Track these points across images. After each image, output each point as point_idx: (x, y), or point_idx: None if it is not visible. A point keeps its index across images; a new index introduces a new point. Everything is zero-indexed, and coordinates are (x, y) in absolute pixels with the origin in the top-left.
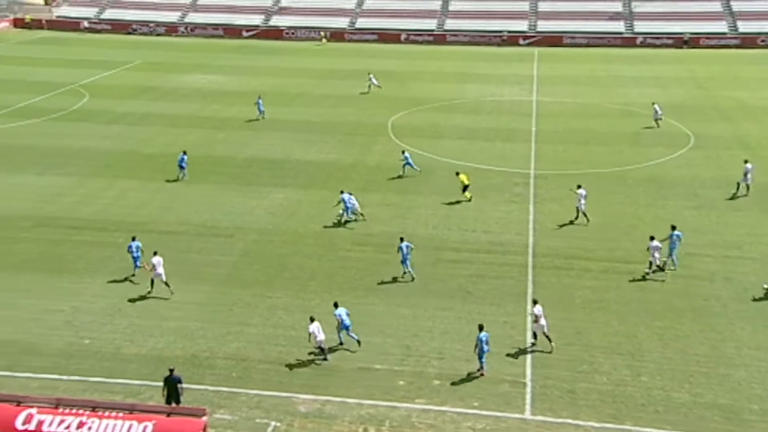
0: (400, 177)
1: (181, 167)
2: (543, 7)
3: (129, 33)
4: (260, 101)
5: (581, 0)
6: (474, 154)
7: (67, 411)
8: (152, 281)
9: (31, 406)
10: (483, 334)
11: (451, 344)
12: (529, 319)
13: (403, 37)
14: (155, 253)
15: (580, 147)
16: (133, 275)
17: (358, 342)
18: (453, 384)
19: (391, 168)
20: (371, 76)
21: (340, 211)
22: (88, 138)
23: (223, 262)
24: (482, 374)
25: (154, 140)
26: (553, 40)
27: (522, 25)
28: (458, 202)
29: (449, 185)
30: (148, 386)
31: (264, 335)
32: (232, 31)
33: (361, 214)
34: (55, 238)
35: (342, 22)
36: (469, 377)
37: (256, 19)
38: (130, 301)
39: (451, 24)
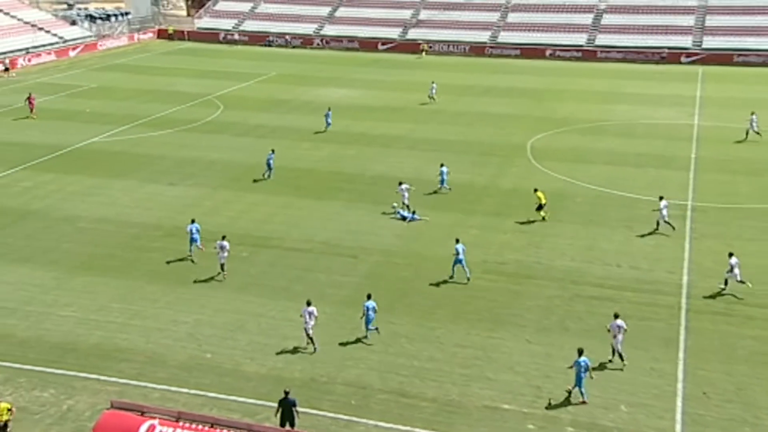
0: (435, 192)
1: (269, 166)
2: (711, 21)
3: (265, 45)
4: (329, 113)
5: (755, 14)
6: (621, 181)
7: (187, 425)
8: (222, 265)
9: (154, 417)
10: (583, 359)
11: (588, 389)
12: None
13: (548, 52)
14: (223, 237)
15: (748, 178)
16: (190, 255)
17: (377, 330)
18: None
19: (528, 192)
20: (433, 85)
21: (395, 205)
22: (219, 150)
23: (345, 283)
24: (584, 402)
25: (283, 154)
26: (722, 58)
27: (685, 41)
28: (601, 233)
29: (592, 213)
30: (265, 406)
31: (385, 363)
32: (367, 44)
33: (413, 211)
34: (183, 249)
35: (483, 36)
36: (609, 430)
37: (393, 32)
38: (251, 316)
39: (603, 39)
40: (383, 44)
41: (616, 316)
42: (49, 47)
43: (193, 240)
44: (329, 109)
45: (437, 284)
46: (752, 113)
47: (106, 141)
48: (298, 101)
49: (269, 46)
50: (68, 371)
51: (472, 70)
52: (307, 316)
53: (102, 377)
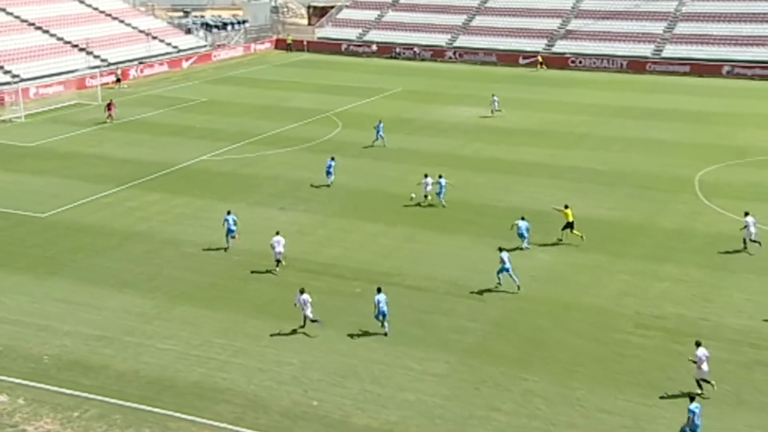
0: (430, 206)
1: (329, 173)
2: None
3: (392, 57)
4: (380, 125)
5: None
6: None
7: None
8: (277, 261)
9: None
10: (695, 405)
11: None
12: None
13: (725, 69)
14: (277, 233)
15: None
16: (226, 249)
17: (385, 334)
18: None
19: (696, 234)
20: (495, 98)
21: (413, 195)
22: (359, 173)
23: (471, 329)
24: None
25: (405, 179)
26: None
27: None
28: None
29: None
30: None
31: (516, 426)
32: (507, 58)
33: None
34: (291, 281)
35: (644, 50)
36: None
37: (538, 44)
38: (364, 361)
39: None
40: (525, 58)
41: (698, 344)
42: (162, 57)
43: (230, 231)
44: (380, 122)
45: (580, 336)
46: None
47: (215, 160)
48: (424, 121)
49: (396, 58)
50: (164, 410)
51: (629, 89)
52: (302, 303)
53: (199, 419)
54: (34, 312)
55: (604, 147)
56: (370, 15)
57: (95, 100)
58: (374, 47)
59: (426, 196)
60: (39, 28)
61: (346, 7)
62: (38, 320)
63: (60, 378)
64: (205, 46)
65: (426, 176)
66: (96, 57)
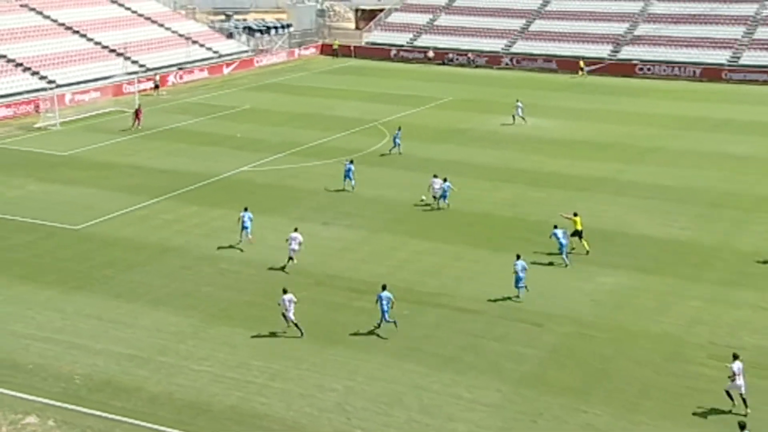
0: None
1: (348, 177)
2: None
3: (443, 63)
4: (399, 133)
5: None
6: None
7: None
8: (290, 258)
9: None
10: None
11: None
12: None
13: None
14: (295, 229)
15: None
16: (239, 243)
17: (395, 323)
18: None
19: None
20: (519, 104)
21: (423, 197)
22: (382, 185)
23: (527, 356)
24: None
25: (457, 194)
26: None
27: None
28: None
29: None
30: None
31: None
32: (568, 65)
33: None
34: (334, 301)
35: (720, 56)
36: None
37: (603, 50)
38: (411, 388)
39: None
40: (588, 64)
41: (736, 357)
42: (202, 63)
43: (244, 227)
44: (399, 129)
45: (646, 367)
46: None
47: (256, 171)
48: (477, 131)
49: (448, 64)
50: None
51: (703, 99)
52: (287, 304)
53: None
54: (65, 329)
55: (675, 161)
56: (422, 18)
57: (132, 107)
58: (431, 53)
59: (435, 198)
60: (76, 32)
61: (396, 10)
62: (69, 338)
63: (91, 399)
64: (247, 51)
65: (435, 177)
66: (134, 62)
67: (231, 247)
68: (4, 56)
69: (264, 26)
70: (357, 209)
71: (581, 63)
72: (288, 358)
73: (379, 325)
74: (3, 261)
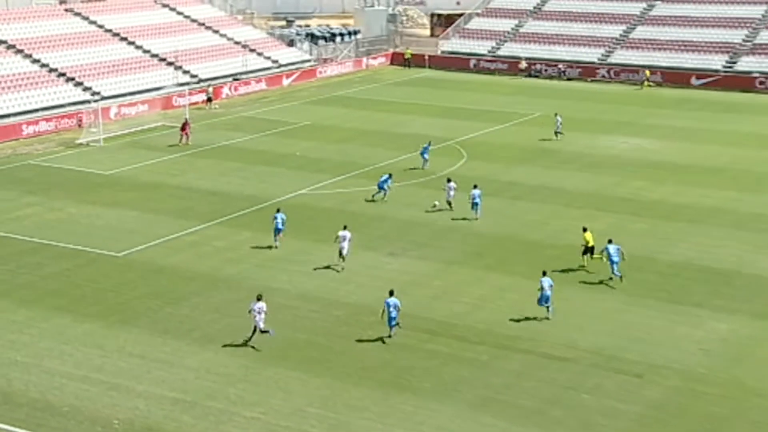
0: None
1: (382, 189)
2: None
3: (530, 75)
4: (428, 147)
5: None
6: None
7: None
8: (341, 254)
9: None
10: None
11: None
12: None
13: None
14: (345, 227)
15: None
16: (276, 246)
17: (398, 324)
18: None
19: None
20: (558, 118)
21: (437, 203)
22: (458, 212)
23: (623, 412)
24: None
25: (545, 223)
26: None
27: None
28: None
29: None
30: None
31: None
32: (675, 77)
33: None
34: (403, 342)
35: None
36: None
37: (716, 61)
38: None
39: None
40: (699, 77)
41: None
42: (259, 73)
43: (277, 230)
44: (429, 144)
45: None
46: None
47: (315, 194)
48: (568, 152)
49: (535, 76)
50: None
51: None
52: (256, 313)
53: None
54: (105, 367)
55: None
56: (506, 24)
57: (182, 122)
58: (523, 64)
59: (449, 203)
60: (123, 39)
61: (477, 15)
62: (109, 377)
63: None
64: (309, 60)
65: (449, 180)
66: (185, 72)
67: (288, 279)
68: (46, 65)
69: (328, 33)
70: (429, 238)
71: (647, 73)
72: (349, 406)
73: (390, 336)
74: (39, 290)
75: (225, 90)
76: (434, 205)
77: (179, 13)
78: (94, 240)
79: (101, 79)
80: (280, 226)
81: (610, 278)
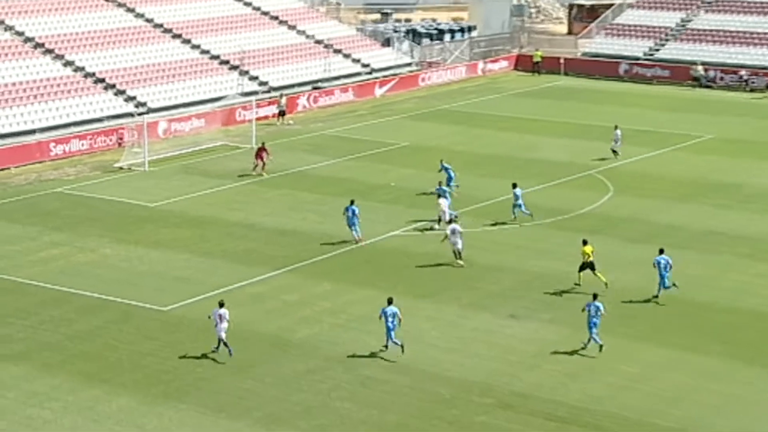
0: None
1: (443, 190)
2: None
3: (702, 85)
4: (448, 169)
5: None
6: None
7: None
8: (456, 253)
9: None
10: None
11: None
12: None
13: None
14: (456, 218)
15: None
16: (355, 240)
17: (402, 347)
18: None
19: None
20: (617, 133)
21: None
22: (631, 265)
23: None
24: None
25: (716, 280)
26: None
27: None
28: None
29: None
30: None
31: None
32: None
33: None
34: (520, 430)
35: None
36: None
37: None
38: None
39: None
40: None
41: None
42: (346, 80)
43: (351, 225)
44: (443, 162)
45: None
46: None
47: (414, 235)
48: (754, 188)
49: (707, 86)
50: None
51: None
52: (218, 319)
53: None
54: None
55: None
56: (669, 19)
57: (248, 141)
58: (699, 69)
59: (440, 220)
60: (177, 36)
61: (631, 6)
62: None
63: None
64: (410, 64)
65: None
66: (252, 79)
67: (378, 344)
68: (80, 69)
69: (435, 30)
70: (559, 298)
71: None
72: None
73: (386, 347)
74: (65, 352)
75: (302, 101)
76: (437, 224)
77: (246, 4)
78: (134, 290)
79: (148, 86)
80: (354, 220)
81: (656, 296)
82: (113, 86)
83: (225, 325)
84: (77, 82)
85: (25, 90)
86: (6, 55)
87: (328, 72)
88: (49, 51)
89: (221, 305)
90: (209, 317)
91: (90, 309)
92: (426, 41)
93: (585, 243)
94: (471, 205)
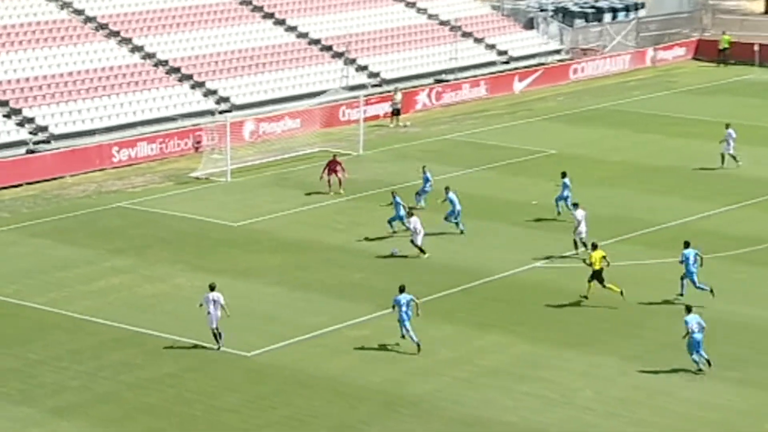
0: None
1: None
2: None
3: None
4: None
5: None
6: None
7: None
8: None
9: None
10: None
11: None
12: None
13: None
14: (212, 288)
15: None
16: (394, 232)
17: (418, 344)
18: None
19: None
20: (730, 131)
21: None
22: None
23: None
24: None
25: None
26: None
27: None
28: None
29: None
30: None
31: None
32: None
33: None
34: None
35: None
36: None
37: None
38: None
39: None
40: None
41: None
42: (477, 72)
43: (399, 217)
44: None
45: None
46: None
47: (559, 267)
48: None
49: None
50: None
51: None
52: (211, 306)
53: None
54: None
55: None
56: None
57: (353, 147)
58: None
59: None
60: (268, 15)
61: None
62: None
63: None
64: (558, 51)
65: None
66: (360, 69)
67: (513, 405)
68: (151, 55)
69: (592, 7)
70: (754, 351)
71: None
72: None
73: (403, 336)
74: (127, 405)
75: (422, 97)
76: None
77: None
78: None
79: (231, 78)
80: (401, 212)
81: (680, 294)
82: (189, 77)
83: (219, 313)
84: (146, 72)
85: (83, 81)
86: (62, 38)
87: (455, 61)
88: (114, 33)
89: (212, 288)
90: (200, 305)
91: (159, 353)
92: (580, 22)
93: (595, 247)
94: (636, 230)
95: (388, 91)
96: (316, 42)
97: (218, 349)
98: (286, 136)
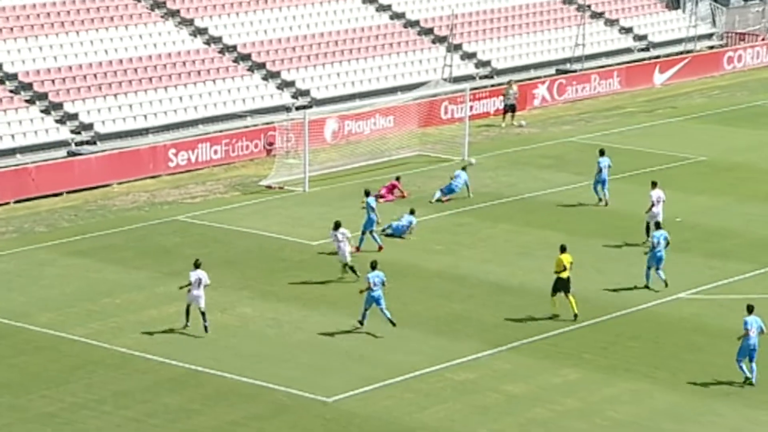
0: None
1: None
2: None
3: None
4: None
5: None
6: None
7: None
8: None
9: None
10: None
11: None
12: None
13: None
14: (197, 265)
15: None
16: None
17: (392, 323)
18: None
19: None
20: None
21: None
22: None
23: None
24: None
25: None
26: None
27: None
28: None
29: None
30: None
31: None
32: None
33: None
34: None
35: None
36: None
37: None
38: None
39: None
40: None
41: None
42: (610, 60)
43: (396, 230)
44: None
45: None
46: None
47: (712, 299)
48: None
49: None
50: None
51: None
52: (196, 286)
53: None
54: None
55: None
56: None
57: (456, 151)
58: None
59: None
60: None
61: None
62: None
63: None
64: (710, 36)
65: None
66: (466, 57)
67: None
68: (217, 39)
69: None
70: None
71: None
72: None
73: (361, 322)
74: None
75: (540, 91)
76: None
77: None
78: (286, 369)
79: (311, 66)
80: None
81: (646, 286)
82: (262, 66)
83: (203, 299)
84: (210, 60)
85: (136, 71)
86: (111, 19)
87: (582, 48)
88: (172, 13)
89: (197, 266)
90: (182, 287)
91: (221, 396)
92: (737, 1)
93: (563, 250)
94: None
95: (501, 84)
96: (414, 24)
97: (185, 327)
98: (375, 136)
